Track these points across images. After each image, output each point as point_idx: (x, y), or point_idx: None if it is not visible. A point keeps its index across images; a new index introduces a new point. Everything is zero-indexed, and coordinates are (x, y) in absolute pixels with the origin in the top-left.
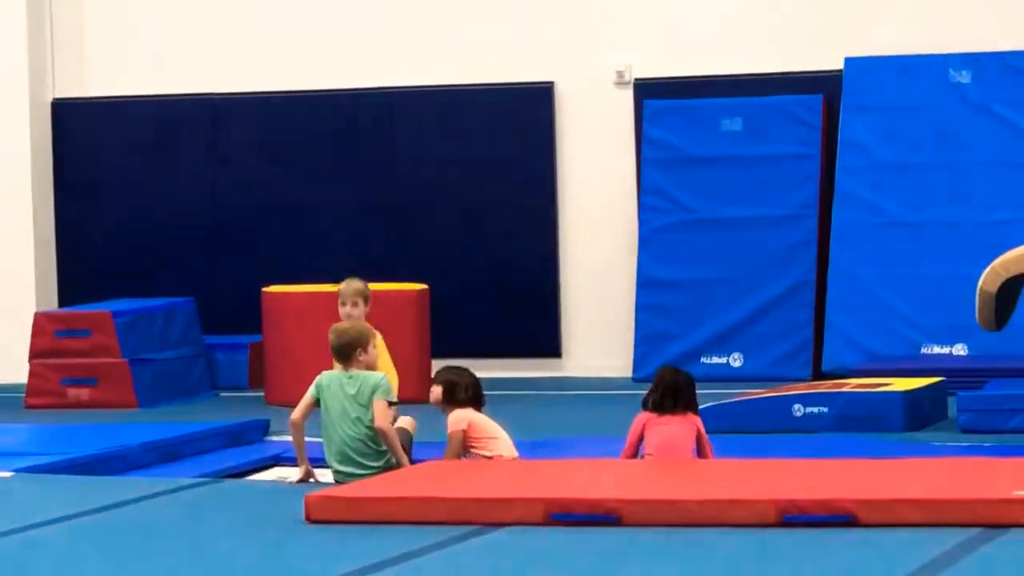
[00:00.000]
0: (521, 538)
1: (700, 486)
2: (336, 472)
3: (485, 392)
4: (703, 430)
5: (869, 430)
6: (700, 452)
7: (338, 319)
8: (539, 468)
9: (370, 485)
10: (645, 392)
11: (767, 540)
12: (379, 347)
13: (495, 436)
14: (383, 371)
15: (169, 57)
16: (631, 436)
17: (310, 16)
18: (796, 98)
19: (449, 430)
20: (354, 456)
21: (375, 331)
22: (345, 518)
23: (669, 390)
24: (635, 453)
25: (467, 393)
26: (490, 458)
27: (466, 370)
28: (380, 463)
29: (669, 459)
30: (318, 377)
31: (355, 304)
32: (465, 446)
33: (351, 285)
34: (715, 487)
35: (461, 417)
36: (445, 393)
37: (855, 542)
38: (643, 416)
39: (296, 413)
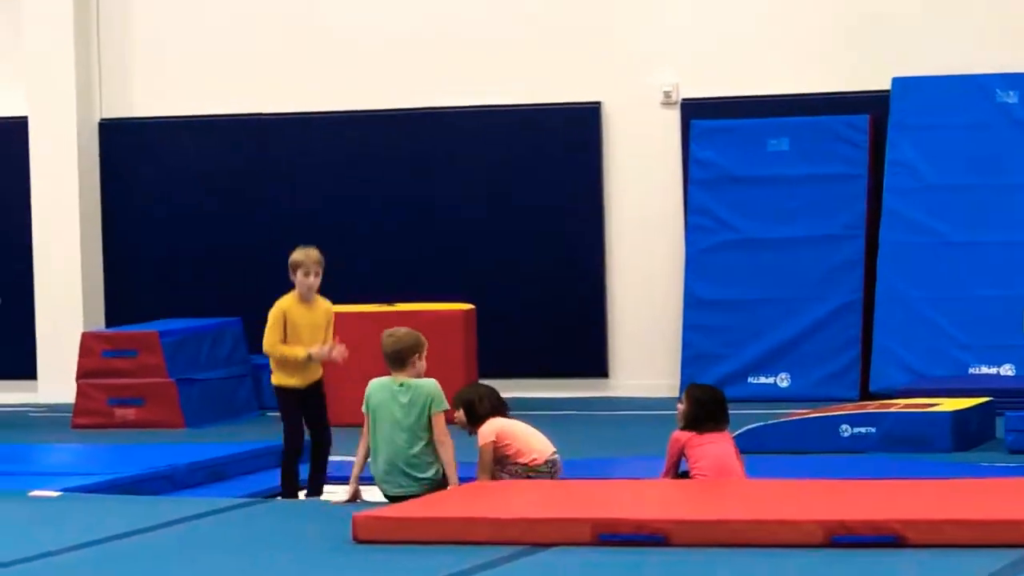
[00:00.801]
0: (568, 558)
1: (747, 506)
2: (384, 484)
3: (532, 412)
4: (735, 447)
5: (917, 450)
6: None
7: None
8: (586, 488)
9: (417, 505)
10: None
11: (815, 561)
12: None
13: (527, 438)
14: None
15: (216, 77)
16: (670, 456)
17: (358, 36)
18: (843, 118)
19: (480, 444)
20: (404, 468)
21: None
22: (393, 538)
23: (709, 406)
24: (676, 473)
25: (486, 405)
26: (527, 464)
27: (478, 384)
28: (430, 475)
29: (720, 479)
30: (367, 388)
31: (317, 274)
32: (500, 455)
33: (311, 254)
34: (762, 507)
35: (488, 430)
36: (466, 413)
37: (903, 562)
38: (681, 436)
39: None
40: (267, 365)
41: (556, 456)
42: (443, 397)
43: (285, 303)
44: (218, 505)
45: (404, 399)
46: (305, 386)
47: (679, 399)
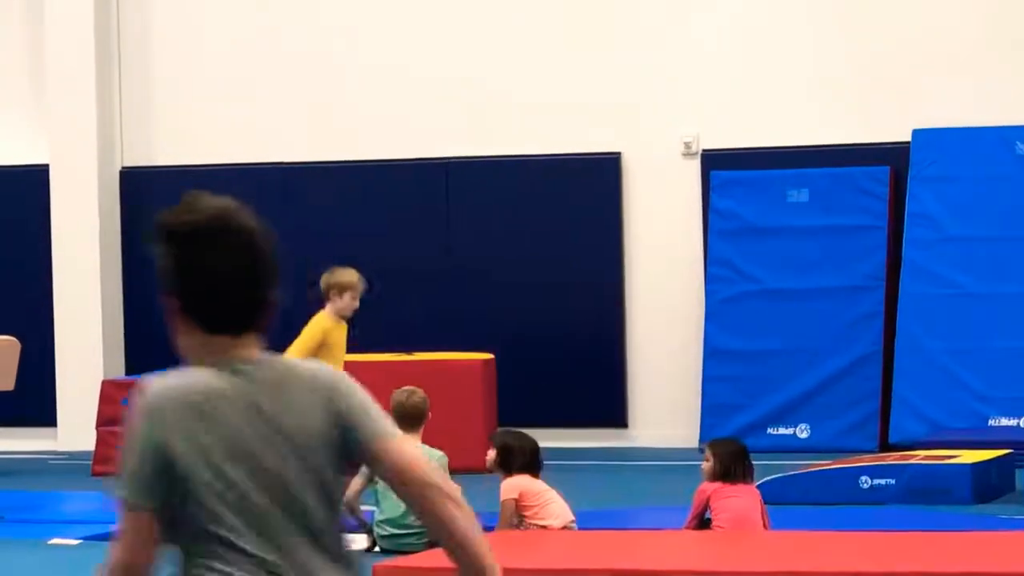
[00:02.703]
0: None
1: (766, 558)
2: (383, 536)
3: (551, 462)
4: (761, 501)
5: (937, 502)
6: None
7: (397, 386)
8: (605, 539)
9: (436, 555)
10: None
11: None
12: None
13: (548, 503)
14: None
15: (237, 126)
16: (696, 507)
17: (380, 86)
18: (863, 169)
19: (502, 498)
20: (403, 521)
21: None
22: None
23: (734, 460)
24: (700, 524)
25: (523, 459)
26: (544, 527)
27: (525, 436)
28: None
29: (739, 531)
30: None
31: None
32: (518, 514)
33: (361, 278)
34: (781, 559)
35: (513, 486)
36: (500, 457)
37: None
38: (708, 486)
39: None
40: None
41: (573, 524)
42: (447, 465)
43: (326, 323)
44: None
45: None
46: None
47: (703, 455)
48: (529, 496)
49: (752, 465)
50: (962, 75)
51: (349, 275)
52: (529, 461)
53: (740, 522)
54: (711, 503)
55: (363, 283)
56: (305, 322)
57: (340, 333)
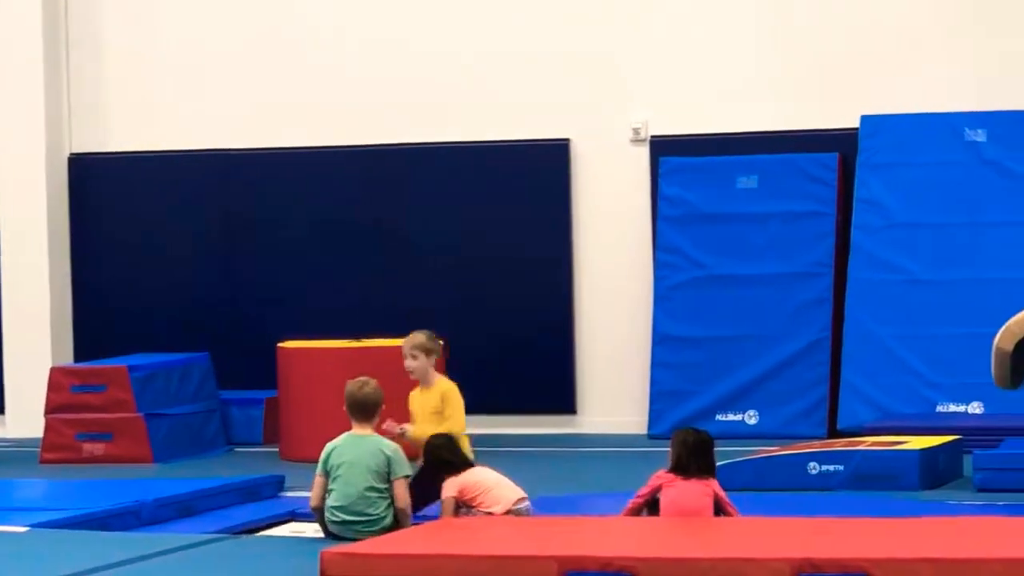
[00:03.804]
0: None
1: (715, 544)
2: (333, 522)
3: (499, 448)
4: (723, 493)
5: (885, 488)
6: (723, 514)
7: (351, 376)
8: (553, 525)
9: (385, 542)
10: (660, 448)
11: None
12: (452, 398)
13: (490, 490)
14: (456, 422)
15: (186, 113)
16: (644, 490)
17: (328, 73)
18: (812, 156)
19: (442, 496)
20: (361, 511)
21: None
22: (361, 574)
23: (691, 453)
24: (641, 509)
25: (452, 460)
26: (489, 514)
27: (443, 440)
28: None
29: (687, 518)
30: (329, 447)
31: (414, 357)
32: (466, 505)
33: (410, 338)
34: (730, 545)
35: (450, 484)
36: (443, 474)
37: None
38: (661, 475)
39: (314, 500)
40: (234, 400)
41: (520, 506)
42: (406, 463)
43: (414, 390)
44: (186, 541)
45: (367, 452)
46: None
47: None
48: (470, 489)
49: (713, 460)
50: (910, 62)
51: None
52: (459, 462)
53: (682, 515)
54: (661, 492)
55: (412, 341)
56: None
57: (415, 396)
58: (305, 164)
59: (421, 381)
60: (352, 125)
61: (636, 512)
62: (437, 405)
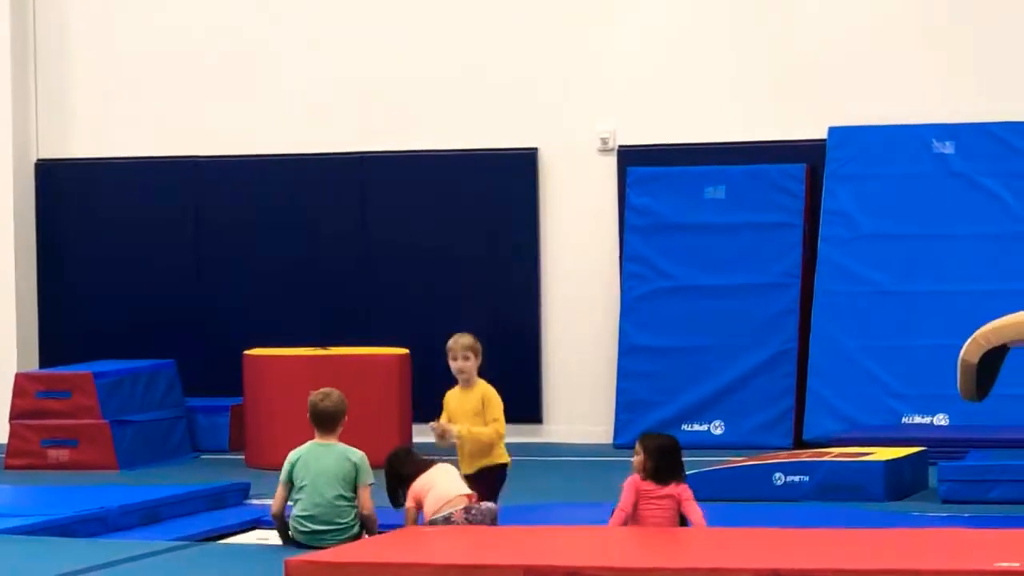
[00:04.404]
0: None
1: (680, 554)
2: (303, 532)
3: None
4: (691, 497)
5: (850, 499)
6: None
7: (316, 384)
8: (519, 534)
9: (350, 550)
10: (625, 458)
11: None
12: (494, 401)
13: (432, 488)
14: (501, 424)
15: (153, 120)
16: (626, 500)
17: (295, 82)
18: (780, 167)
19: (406, 505)
20: (327, 517)
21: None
22: None
23: (665, 456)
24: (628, 518)
25: (407, 472)
26: (449, 518)
27: (397, 453)
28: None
29: (654, 528)
30: (292, 455)
31: (466, 358)
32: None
33: (459, 340)
34: (695, 555)
35: (409, 494)
36: (392, 484)
37: None
38: (639, 483)
39: (275, 507)
40: (200, 407)
41: (448, 511)
42: (370, 471)
43: (451, 390)
44: (151, 548)
45: (330, 461)
46: (468, 472)
47: (633, 448)
48: (420, 494)
49: (682, 461)
50: (878, 73)
51: (450, 341)
52: (412, 470)
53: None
54: (640, 502)
55: (463, 343)
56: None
57: (454, 395)
58: (272, 172)
59: (465, 382)
60: (319, 133)
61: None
62: (477, 407)
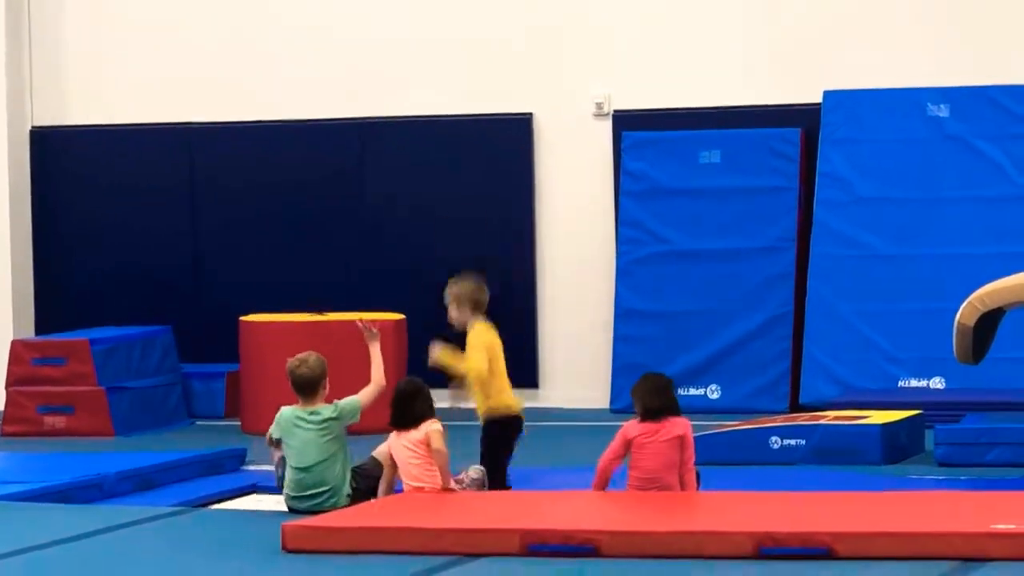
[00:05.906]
0: (498, 568)
1: (677, 518)
2: (295, 498)
3: (460, 422)
4: (691, 436)
5: (846, 463)
6: (683, 462)
7: (314, 348)
8: (516, 499)
9: (347, 515)
10: (622, 423)
11: (743, 572)
12: (471, 339)
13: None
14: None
15: (148, 86)
16: (615, 446)
17: (289, 47)
18: (774, 131)
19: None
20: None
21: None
22: (322, 547)
23: (654, 395)
24: (618, 463)
25: (423, 408)
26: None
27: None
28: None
29: (648, 492)
30: (278, 416)
31: (449, 307)
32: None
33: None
34: (692, 519)
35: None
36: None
37: (831, 575)
38: (631, 428)
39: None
40: (196, 373)
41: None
42: (352, 399)
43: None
44: (147, 514)
45: (315, 425)
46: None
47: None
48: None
49: (675, 397)
50: (873, 37)
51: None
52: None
53: (650, 482)
54: (632, 450)
55: (451, 288)
56: None
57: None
58: (268, 138)
59: (462, 328)
60: (315, 98)
61: (608, 471)
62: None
